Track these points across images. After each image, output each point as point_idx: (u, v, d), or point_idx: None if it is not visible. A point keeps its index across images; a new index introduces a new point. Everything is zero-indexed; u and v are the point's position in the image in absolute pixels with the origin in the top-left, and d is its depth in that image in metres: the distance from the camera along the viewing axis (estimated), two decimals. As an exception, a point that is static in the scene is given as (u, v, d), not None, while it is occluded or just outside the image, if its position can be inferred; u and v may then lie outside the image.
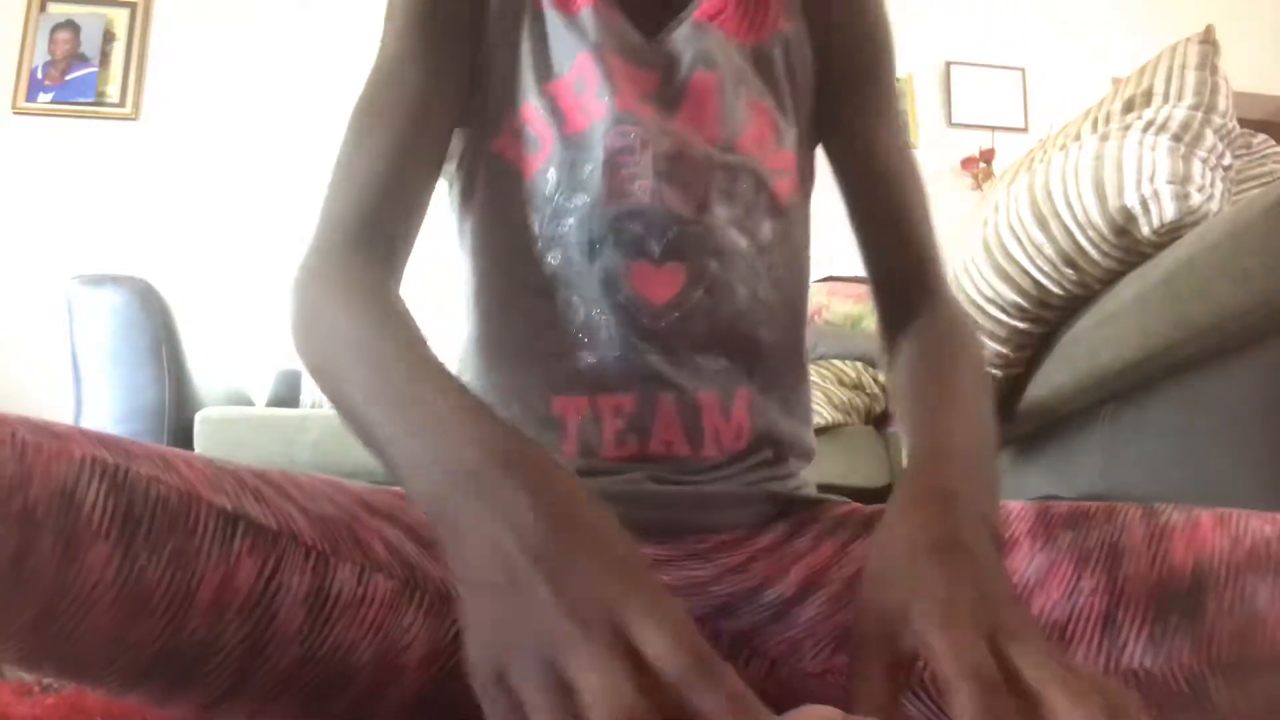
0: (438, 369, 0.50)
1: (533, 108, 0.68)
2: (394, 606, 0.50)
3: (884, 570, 0.44)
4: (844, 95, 0.74)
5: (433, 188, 0.67)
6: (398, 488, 0.59)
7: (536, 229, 0.67)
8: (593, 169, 0.65)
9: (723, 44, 0.70)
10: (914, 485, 0.50)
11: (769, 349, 0.69)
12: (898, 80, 0.78)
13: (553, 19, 0.69)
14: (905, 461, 0.58)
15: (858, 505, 0.68)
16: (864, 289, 2.68)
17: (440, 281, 0.66)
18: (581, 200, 0.66)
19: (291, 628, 0.47)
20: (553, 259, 0.66)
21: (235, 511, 0.46)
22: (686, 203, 0.66)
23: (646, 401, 0.65)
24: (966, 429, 0.57)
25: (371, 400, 0.49)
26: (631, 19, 0.69)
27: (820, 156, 0.77)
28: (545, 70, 0.68)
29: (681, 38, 0.70)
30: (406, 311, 0.57)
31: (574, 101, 0.67)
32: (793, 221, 0.72)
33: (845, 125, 0.74)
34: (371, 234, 0.61)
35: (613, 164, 0.65)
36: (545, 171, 0.67)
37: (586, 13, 0.68)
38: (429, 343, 0.53)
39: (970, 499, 0.48)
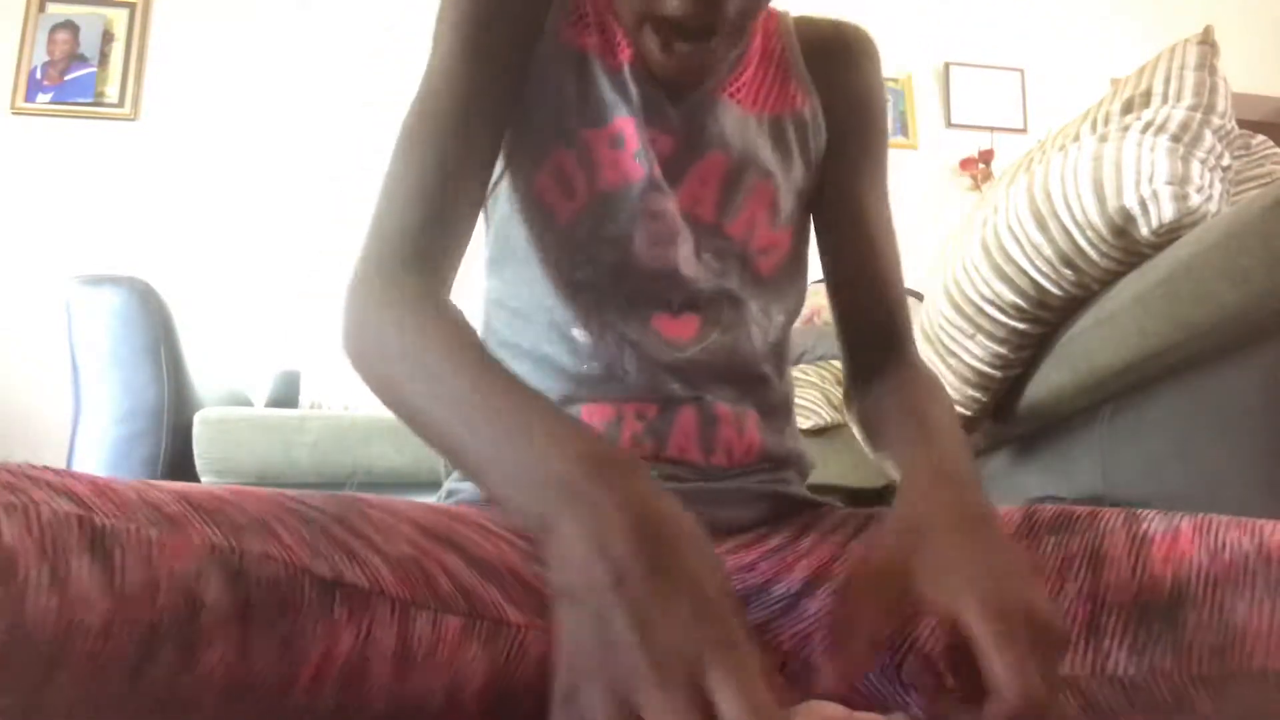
0: (507, 378, 0.52)
1: (569, 154, 0.70)
2: (460, 644, 0.51)
3: (905, 532, 0.48)
4: (842, 165, 0.78)
5: (479, 205, 0.68)
6: (443, 504, 0.63)
7: (566, 273, 0.70)
8: (624, 224, 0.69)
9: (740, 120, 0.73)
10: (922, 466, 0.54)
11: (772, 383, 0.75)
12: (887, 132, 0.83)
13: (597, 69, 0.71)
14: (897, 462, 0.63)
15: (855, 510, 0.72)
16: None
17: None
18: (608, 255, 0.69)
19: (381, 685, 0.47)
20: (578, 302, 0.70)
21: (334, 579, 0.46)
22: (693, 270, 0.70)
23: (668, 411, 0.69)
24: (952, 448, 0.60)
25: (447, 413, 0.51)
26: (662, 83, 0.71)
27: None
28: (585, 116, 0.70)
29: (704, 112, 0.72)
30: (462, 316, 0.59)
31: (608, 154, 0.70)
32: (782, 292, 0.76)
33: (839, 192, 0.78)
34: (420, 249, 0.62)
35: (643, 225, 0.69)
36: (578, 221, 0.70)
37: (629, 71, 0.70)
38: (485, 351, 0.56)
39: (965, 494, 0.52)
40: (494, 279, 0.76)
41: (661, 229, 0.69)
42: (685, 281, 0.70)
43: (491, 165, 0.69)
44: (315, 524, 0.49)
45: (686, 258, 0.70)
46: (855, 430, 0.77)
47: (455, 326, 0.57)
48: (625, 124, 0.70)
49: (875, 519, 0.67)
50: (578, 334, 0.70)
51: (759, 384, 0.74)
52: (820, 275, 0.80)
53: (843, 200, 0.77)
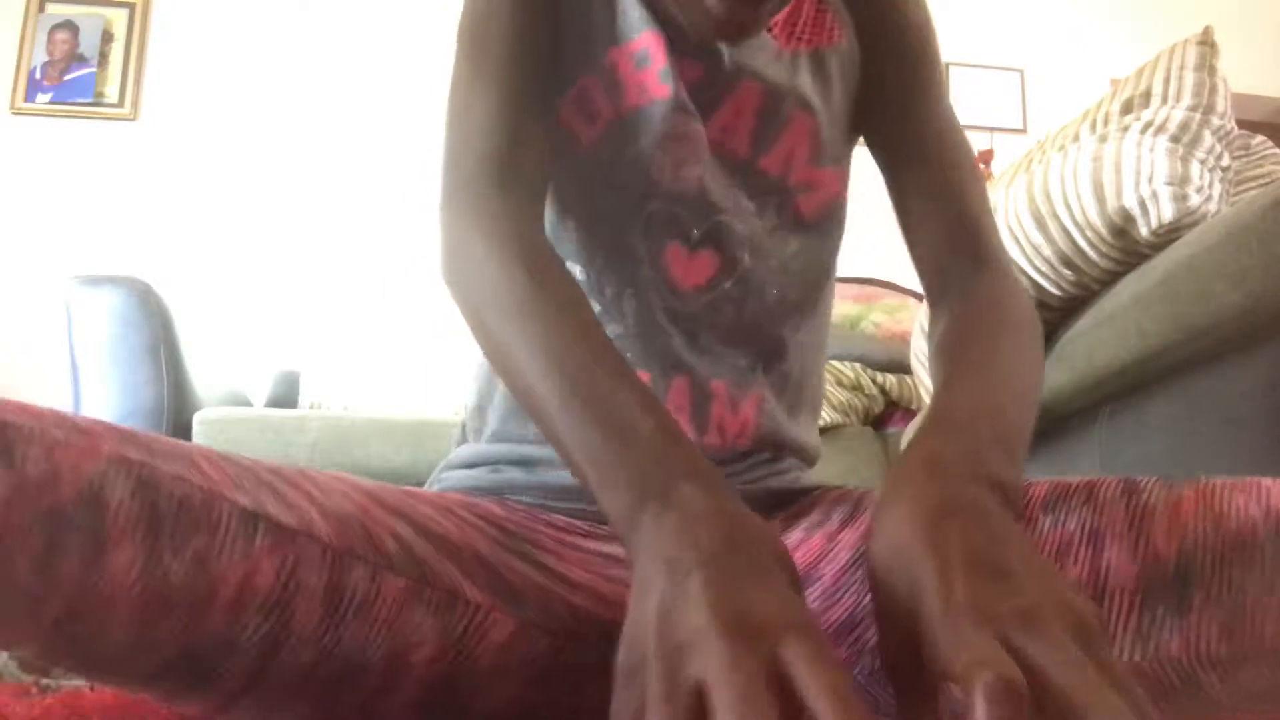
0: (613, 361, 0.52)
1: (593, 79, 0.67)
2: (404, 605, 0.50)
3: (883, 557, 0.42)
4: (892, 91, 0.74)
5: (554, 113, 0.67)
6: (409, 487, 0.61)
7: (581, 201, 0.67)
8: (645, 146, 0.66)
9: (776, 52, 0.70)
10: (906, 457, 0.48)
11: (792, 350, 0.71)
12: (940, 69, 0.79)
13: None
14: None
15: (848, 490, 0.68)
16: (864, 290, 2.69)
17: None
18: (628, 177, 0.66)
19: (308, 627, 0.47)
20: (591, 231, 0.67)
21: (255, 510, 0.46)
22: (726, 198, 0.67)
23: (659, 379, 0.66)
24: (982, 390, 0.54)
25: (548, 386, 0.51)
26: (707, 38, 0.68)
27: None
28: (611, 35, 0.67)
29: (738, 43, 0.68)
30: (561, 264, 0.58)
31: (633, 74, 0.67)
32: (821, 234, 0.72)
33: (895, 115, 0.73)
34: (505, 167, 0.61)
35: (666, 146, 0.66)
36: (600, 145, 0.67)
37: None
38: (588, 306, 0.56)
39: (966, 462, 0.45)
40: None
41: (686, 151, 0.66)
42: (709, 207, 0.66)
43: (548, 87, 0.67)
44: (244, 467, 0.49)
45: (714, 183, 0.67)
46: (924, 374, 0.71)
47: (560, 279, 0.57)
48: (651, 39, 0.67)
49: (863, 503, 0.64)
50: (578, 271, 0.67)
51: (772, 353, 0.69)
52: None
53: (900, 123, 0.73)
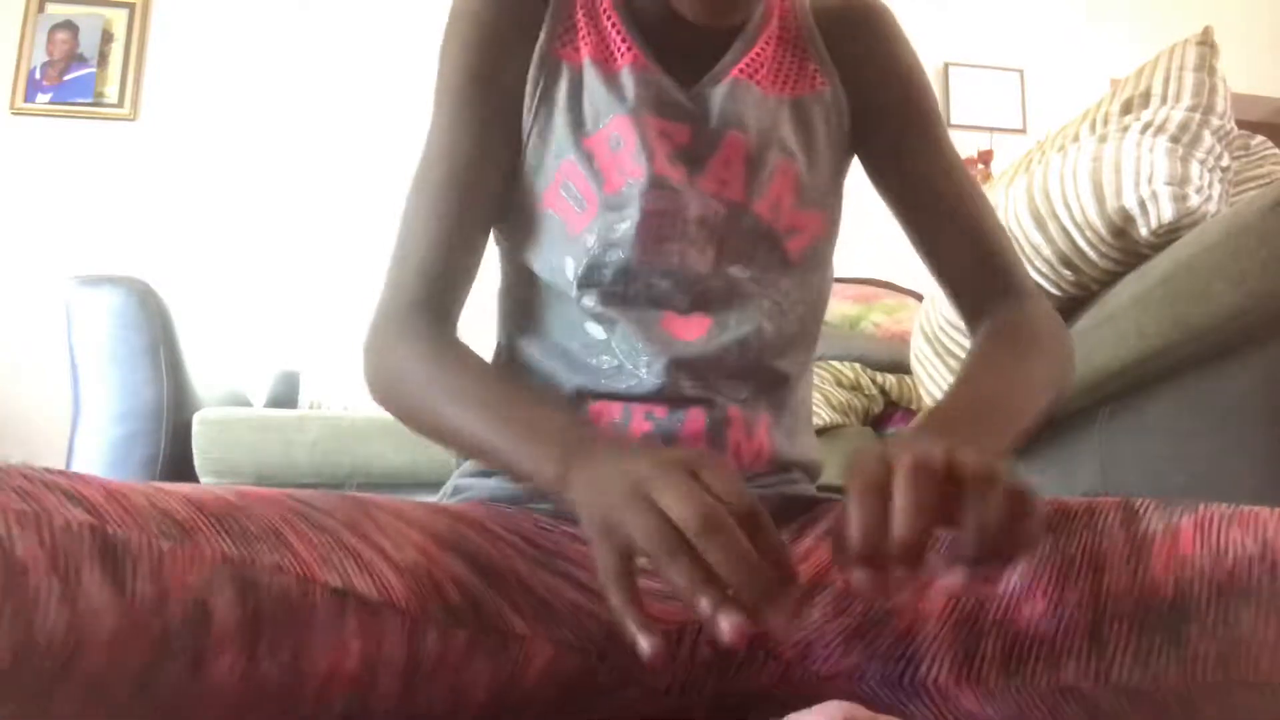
0: (530, 390, 0.67)
1: (573, 164, 0.71)
2: (467, 657, 0.51)
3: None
4: (888, 131, 0.77)
5: (484, 247, 0.74)
6: (448, 503, 0.66)
7: (576, 276, 0.71)
8: (628, 228, 0.69)
9: (759, 101, 0.73)
10: (928, 422, 0.57)
11: (789, 379, 0.74)
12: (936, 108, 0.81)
13: (591, 76, 0.72)
14: None
15: None
16: (863, 290, 2.68)
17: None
18: (616, 255, 0.70)
19: (388, 697, 0.48)
20: (589, 301, 0.71)
21: (344, 588, 0.47)
22: (702, 263, 0.71)
23: (677, 412, 0.69)
24: (982, 393, 0.61)
25: (473, 420, 0.60)
26: (670, 72, 0.73)
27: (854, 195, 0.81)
28: (580, 126, 0.72)
29: (718, 94, 0.72)
30: (471, 351, 0.67)
31: (610, 159, 0.71)
32: (808, 271, 0.75)
33: (895, 158, 0.77)
34: (430, 298, 0.69)
35: (647, 225, 0.69)
36: (590, 228, 0.70)
37: (626, 72, 0.72)
38: (493, 371, 0.67)
39: (940, 438, 0.50)
40: (510, 271, 0.78)
41: (665, 226, 0.69)
42: (692, 280, 0.70)
43: (496, 212, 0.74)
44: (325, 530, 0.49)
45: (694, 256, 0.70)
46: None
47: (465, 353, 0.66)
48: (621, 123, 0.71)
49: None
50: (592, 329, 0.71)
51: (774, 383, 0.73)
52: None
53: (902, 168, 0.76)
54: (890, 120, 0.77)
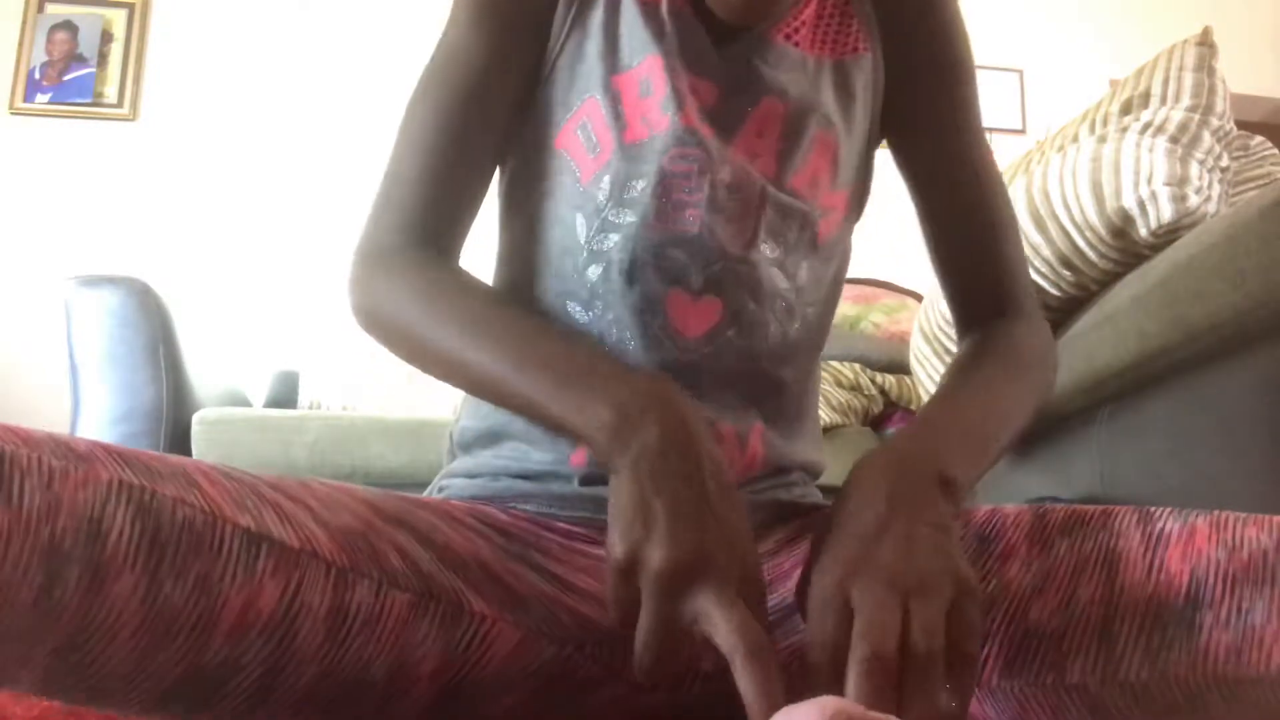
0: (548, 322, 0.60)
1: (597, 103, 0.65)
2: (408, 620, 0.50)
3: (827, 549, 0.49)
4: (922, 107, 0.71)
5: (489, 177, 0.68)
6: (410, 495, 0.61)
7: (583, 238, 0.65)
8: (645, 186, 0.63)
9: (800, 63, 0.67)
10: (875, 449, 0.55)
11: (789, 386, 0.69)
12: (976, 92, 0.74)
13: (629, 7, 0.66)
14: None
15: None
16: (863, 290, 2.69)
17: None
18: (629, 218, 0.64)
19: (311, 647, 0.46)
20: (593, 273, 0.65)
21: (259, 531, 0.46)
22: (734, 238, 0.64)
23: None
24: (964, 405, 0.59)
25: (499, 360, 0.56)
26: (705, 21, 0.66)
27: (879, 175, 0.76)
28: (614, 61, 0.65)
29: (755, 55, 0.66)
30: (480, 280, 0.62)
31: (637, 104, 0.64)
32: (830, 258, 0.70)
33: (925, 136, 0.72)
34: (428, 224, 0.63)
35: (666, 186, 0.63)
36: (600, 179, 0.64)
37: (665, 7, 0.65)
38: (514, 300, 0.62)
39: (925, 459, 0.52)
40: (510, 230, 0.72)
41: (686, 191, 0.63)
42: (713, 251, 0.64)
43: (504, 138, 0.67)
44: (244, 482, 0.48)
45: (720, 225, 0.64)
46: None
47: (480, 286, 0.61)
48: (654, 64, 0.64)
49: None
50: (577, 311, 0.65)
51: (771, 390, 0.68)
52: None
53: (931, 145, 0.71)
54: (926, 93, 0.71)
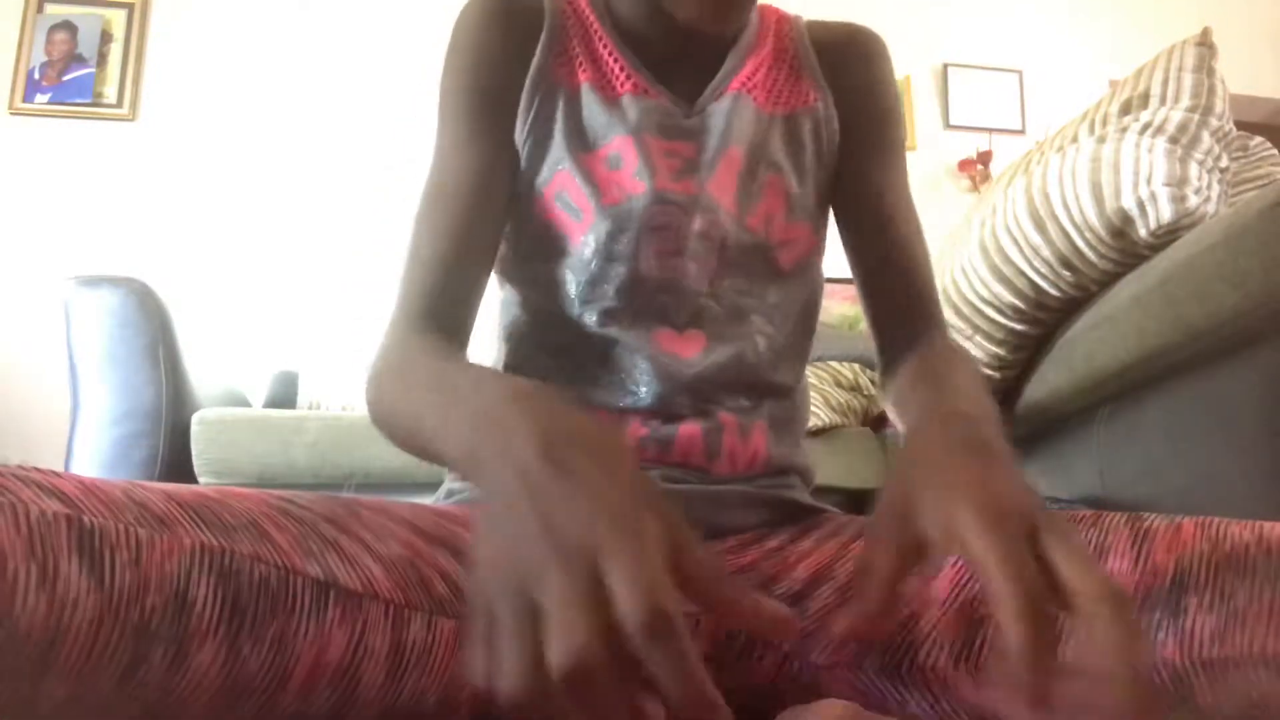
0: (464, 364, 0.55)
1: (569, 176, 0.72)
2: (454, 646, 0.51)
3: (911, 465, 0.47)
4: (859, 155, 0.79)
5: (493, 261, 0.73)
6: (439, 504, 0.62)
7: (574, 291, 0.71)
8: (629, 242, 0.70)
9: (754, 115, 0.75)
10: (933, 409, 0.55)
11: (784, 389, 0.76)
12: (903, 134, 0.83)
13: (590, 101, 0.73)
14: (911, 420, 0.63)
15: (854, 516, 0.72)
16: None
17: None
18: (617, 270, 0.70)
19: (374, 689, 0.47)
20: (589, 318, 0.71)
21: (326, 580, 0.47)
22: (700, 278, 0.71)
23: (672, 422, 0.70)
24: (969, 398, 0.60)
25: (419, 409, 0.53)
26: (670, 91, 0.74)
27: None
28: (580, 142, 0.73)
29: (718, 110, 0.74)
30: (459, 352, 0.64)
31: (609, 175, 0.71)
32: (798, 283, 0.76)
33: (857, 182, 0.78)
34: (439, 313, 0.68)
35: (649, 241, 0.70)
36: (586, 240, 0.71)
37: (627, 99, 0.73)
38: (473, 363, 0.58)
39: (987, 423, 0.52)
40: (510, 285, 0.78)
41: (668, 241, 0.70)
42: (691, 294, 0.71)
43: (502, 227, 0.73)
44: (306, 523, 0.49)
45: (695, 268, 0.71)
46: (890, 415, 0.75)
47: (450, 350, 0.62)
48: (623, 144, 0.72)
49: None
50: (590, 346, 0.72)
51: (769, 395, 0.75)
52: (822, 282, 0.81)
53: (862, 190, 0.78)
54: (864, 146, 0.79)
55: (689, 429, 0.70)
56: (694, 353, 0.71)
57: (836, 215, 0.80)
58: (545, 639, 0.33)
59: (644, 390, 0.70)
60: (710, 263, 0.72)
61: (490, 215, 0.72)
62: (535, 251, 0.74)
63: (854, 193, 0.79)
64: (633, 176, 0.71)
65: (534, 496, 0.38)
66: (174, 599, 0.40)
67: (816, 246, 0.78)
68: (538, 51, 0.74)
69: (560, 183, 0.72)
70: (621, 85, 0.74)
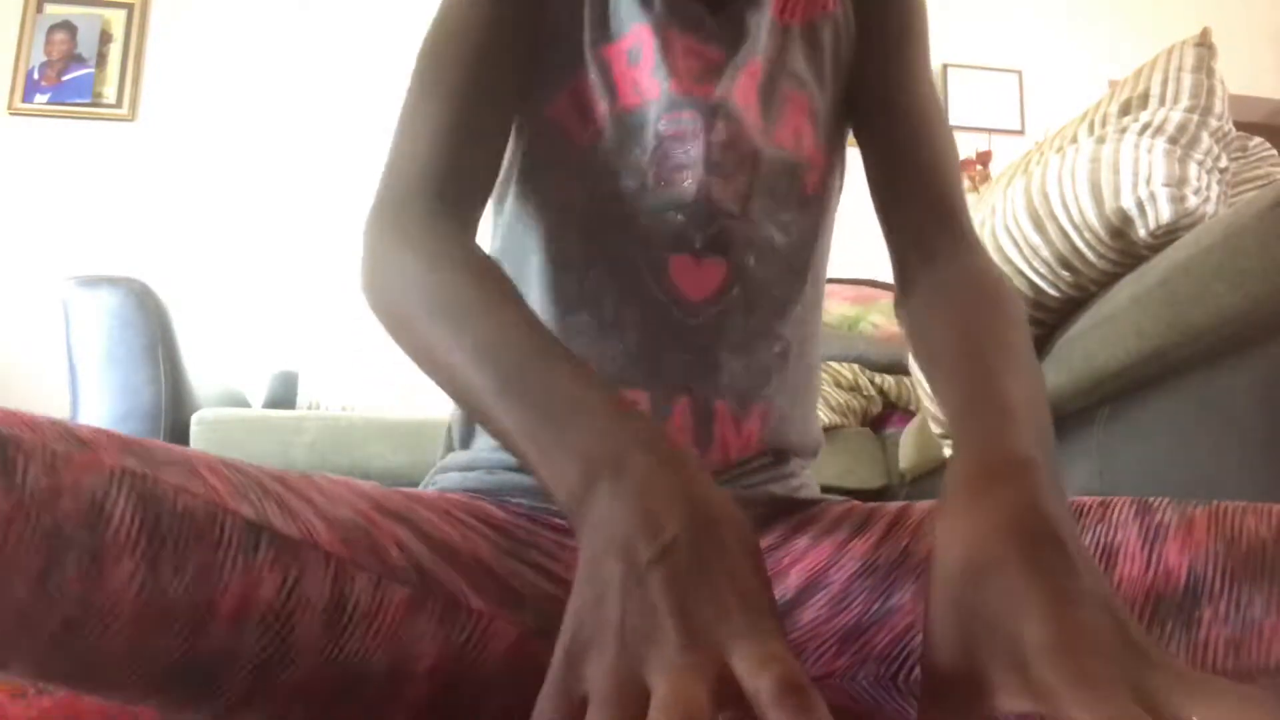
0: (551, 341, 0.49)
1: (586, 73, 0.65)
2: (407, 614, 0.50)
3: (961, 585, 0.38)
4: (879, 50, 0.73)
5: (506, 137, 0.65)
6: (409, 489, 0.60)
7: (581, 206, 0.65)
8: (641, 152, 0.64)
9: (774, 27, 0.69)
10: (980, 451, 0.45)
11: (795, 347, 0.69)
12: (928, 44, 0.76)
13: None
14: (951, 422, 0.52)
15: (856, 503, 0.68)
16: (861, 291, 2.69)
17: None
18: (628, 184, 0.64)
19: (309, 639, 0.46)
20: (588, 242, 0.65)
21: (259, 521, 0.45)
22: (731, 197, 0.65)
23: (661, 401, 0.65)
24: (1023, 386, 0.53)
25: (483, 375, 0.48)
26: None
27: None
28: (603, 31, 0.66)
29: (744, 16, 0.67)
30: (495, 265, 0.56)
31: (627, 72, 0.65)
32: (819, 213, 0.71)
33: (878, 77, 0.72)
34: (444, 183, 0.59)
35: (663, 151, 0.64)
36: (596, 147, 0.65)
37: None
38: (523, 301, 0.52)
39: (1047, 465, 0.44)
40: (498, 202, 0.72)
41: (683, 154, 0.64)
42: (713, 212, 0.64)
43: (514, 99, 0.65)
44: (247, 474, 0.48)
45: (717, 184, 0.64)
46: (912, 353, 0.67)
47: (491, 274, 0.54)
48: (642, 33, 0.65)
49: (874, 516, 0.63)
50: (573, 282, 0.65)
51: (779, 357, 0.68)
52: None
53: (884, 91, 0.72)
54: (881, 48, 0.73)
55: (680, 414, 0.65)
56: (708, 290, 0.64)
57: (856, 128, 0.74)
58: (655, 698, 0.32)
59: (633, 335, 0.64)
60: (738, 179, 0.65)
61: (504, 79, 0.63)
62: (534, 158, 0.67)
63: (873, 90, 0.72)
64: (649, 75, 0.64)
65: (673, 570, 0.36)
66: (89, 510, 0.40)
67: (837, 167, 0.72)
68: None
69: (576, 81, 0.65)
70: None
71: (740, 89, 0.66)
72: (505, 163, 0.69)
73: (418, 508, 0.56)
